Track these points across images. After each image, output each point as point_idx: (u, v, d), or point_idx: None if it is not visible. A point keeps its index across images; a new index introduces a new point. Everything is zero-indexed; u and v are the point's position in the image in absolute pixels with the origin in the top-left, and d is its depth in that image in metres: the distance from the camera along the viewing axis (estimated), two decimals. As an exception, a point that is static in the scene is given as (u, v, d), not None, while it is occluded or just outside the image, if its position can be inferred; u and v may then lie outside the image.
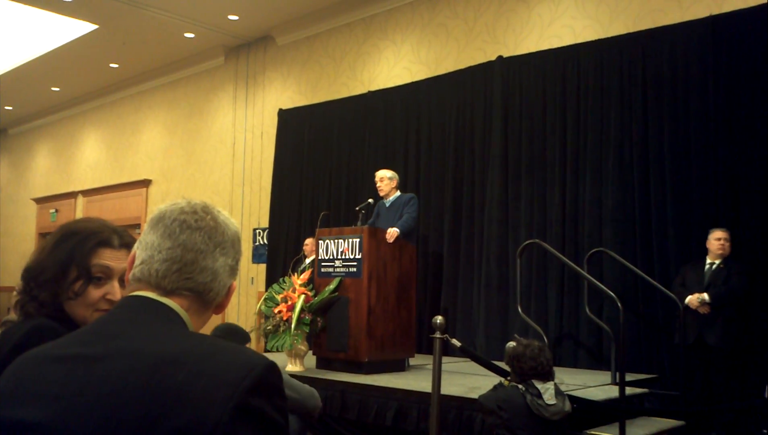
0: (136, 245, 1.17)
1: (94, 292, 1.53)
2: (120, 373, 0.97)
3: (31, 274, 1.57)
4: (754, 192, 5.65)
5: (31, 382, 1.02)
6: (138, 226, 11.70)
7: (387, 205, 6.55)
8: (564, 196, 6.73)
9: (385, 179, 6.57)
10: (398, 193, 6.60)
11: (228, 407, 0.92)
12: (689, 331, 5.47)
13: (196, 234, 1.13)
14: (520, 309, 6.16)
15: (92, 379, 0.98)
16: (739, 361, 5.43)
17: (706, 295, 5.43)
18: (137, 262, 1.14)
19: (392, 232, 5.93)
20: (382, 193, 6.60)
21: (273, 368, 1.00)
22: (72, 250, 1.54)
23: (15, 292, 1.94)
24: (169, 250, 1.12)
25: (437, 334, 3.95)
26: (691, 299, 5.48)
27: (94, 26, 10.11)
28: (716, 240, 5.57)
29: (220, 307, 1.19)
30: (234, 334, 3.40)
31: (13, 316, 1.92)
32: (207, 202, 1.20)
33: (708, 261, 5.62)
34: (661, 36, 6.29)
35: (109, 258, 1.55)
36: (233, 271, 1.19)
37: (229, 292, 1.19)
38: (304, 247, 8.29)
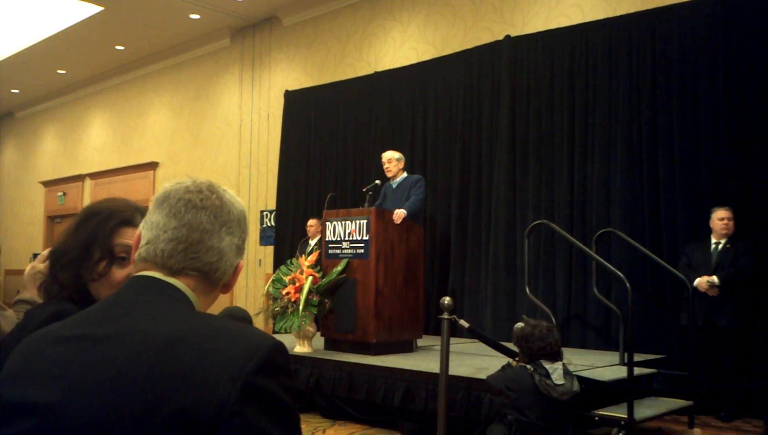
0: (141, 225, 1.16)
1: (118, 273, 1.52)
2: (126, 354, 0.96)
3: (55, 256, 1.56)
4: (762, 172, 5.60)
5: (37, 363, 1.02)
6: (145, 208, 11.69)
7: (394, 186, 6.53)
8: (572, 176, 6.69)
9: (393, 160, 6.54)
10: (405, 174, 6.57)
11: (234, 387, 0.91)
12: (698, 313, 5.42)
13: (202, 213, 1.12)
14: (528, 290, 6.17)
15: (98, 360, 0.97)
16: (747, 342, 5.41)
17: (715, 278, 5.36)
18: (143, 241, 1.13)
19: (399, 214, 5.92)
20: (389, 175, 6.57)
21: (279, 348, 0.99)
22: (94, 231, 1.53)
23: (25, 273, 1.94)
24: (174, 230, 1.11)
25: (445, 315, 3.95)
26: (700, 282, 5.42)
27: (100, 8, 10.07)
28: (719, 220, 5.50)
29: (227, 287, 1.19)
30: (236, 318, 3.30)
31: (26, 295, 1.92)
32: (212, 181, 1.18)
33: (713, 240, 5.56)
34: (671, 15, 6.21)
35: (132, 237, 1.54)
36: (240, 250, 1.18)
37: (236, 271, 1.18)
38: (308, 228, 8.29)
